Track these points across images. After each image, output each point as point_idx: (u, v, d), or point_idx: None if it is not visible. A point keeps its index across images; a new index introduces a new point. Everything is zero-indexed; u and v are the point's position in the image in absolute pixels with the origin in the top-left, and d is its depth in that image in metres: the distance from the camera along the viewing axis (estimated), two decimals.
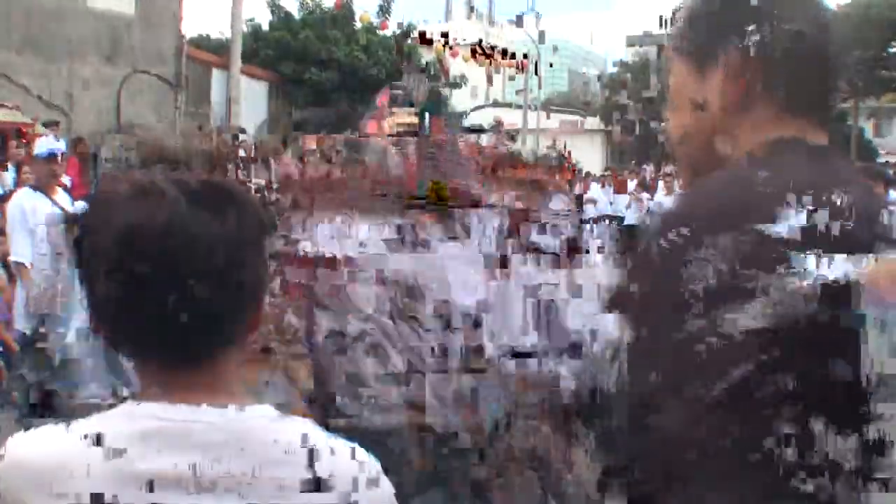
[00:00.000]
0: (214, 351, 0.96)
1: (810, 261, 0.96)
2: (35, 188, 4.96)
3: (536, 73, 30.32)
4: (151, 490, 0.90)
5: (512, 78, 37.23)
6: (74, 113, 12.95)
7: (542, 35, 38.84)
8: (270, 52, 18.64)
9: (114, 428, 0.93)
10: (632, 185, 18.15)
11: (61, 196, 5.01)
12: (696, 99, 1.16)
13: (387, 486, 1.01)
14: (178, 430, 0.92)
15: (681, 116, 1.20)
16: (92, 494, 0.90)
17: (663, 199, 13.66)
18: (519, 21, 39.24)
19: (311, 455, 0.95)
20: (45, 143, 5.12)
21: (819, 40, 1.14)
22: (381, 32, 20.20)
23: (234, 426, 0.94)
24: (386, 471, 1.00)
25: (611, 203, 14.99)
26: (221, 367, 0.97)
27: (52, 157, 4.94)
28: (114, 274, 0.90)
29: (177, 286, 0.90)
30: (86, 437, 0.93)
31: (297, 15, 19.89)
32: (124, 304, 0.91)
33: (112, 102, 13.70)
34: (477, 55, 28.04)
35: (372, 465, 1.00)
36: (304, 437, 0.97)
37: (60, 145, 5.20)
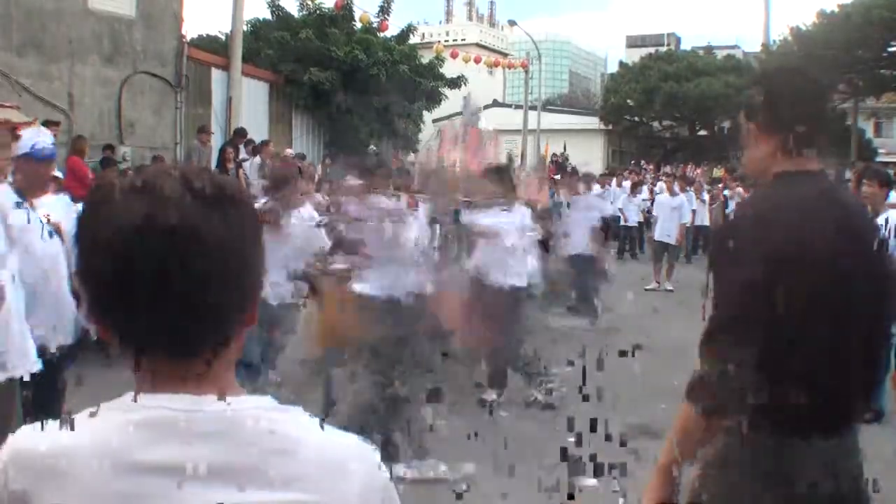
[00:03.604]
0: (214, 345, 0.96)
1: None
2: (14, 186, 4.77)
3: (527, 72, 30.26)
4: (151, 480, 0.91)
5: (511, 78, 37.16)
6: (75, 113, 12.95)
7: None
8: (271, 52, 18.61)
9: (115, 419, 0.94)
10: (626, 184, 18.07)
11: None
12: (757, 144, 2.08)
13: (383, 475, 1.01)
14: (179, 420, 0.93)
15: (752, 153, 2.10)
16: (93, 485, 0.90)
17: (664, 199, 13.63)
18: (512, 23, 39.34)
19: (307, 444, 0.96)
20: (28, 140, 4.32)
21: (799, 107, 1.97)
22: (381, 34, 20.16)
23: (232, 416, 0.94)
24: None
25: (611, 202, 14.93)
26: (219, 360, 0.97)
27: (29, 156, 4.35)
28: (119, 271, 0.90)
29: (183, 283, 0.90)
30: (87, 427, 0.94)
31: (296, 15, 19.87)
32: (128, 301, 0.91)
33: (113, 103, 13.67)
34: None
35: (370, 453, 1.00)
36: (301, 427, 0.97)
37: (46, 139, 4.49)
